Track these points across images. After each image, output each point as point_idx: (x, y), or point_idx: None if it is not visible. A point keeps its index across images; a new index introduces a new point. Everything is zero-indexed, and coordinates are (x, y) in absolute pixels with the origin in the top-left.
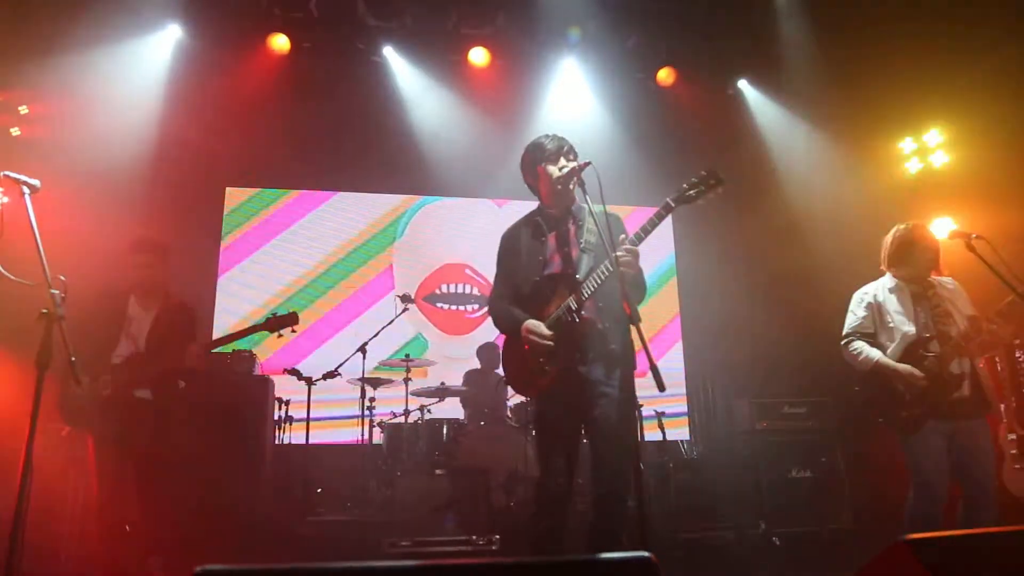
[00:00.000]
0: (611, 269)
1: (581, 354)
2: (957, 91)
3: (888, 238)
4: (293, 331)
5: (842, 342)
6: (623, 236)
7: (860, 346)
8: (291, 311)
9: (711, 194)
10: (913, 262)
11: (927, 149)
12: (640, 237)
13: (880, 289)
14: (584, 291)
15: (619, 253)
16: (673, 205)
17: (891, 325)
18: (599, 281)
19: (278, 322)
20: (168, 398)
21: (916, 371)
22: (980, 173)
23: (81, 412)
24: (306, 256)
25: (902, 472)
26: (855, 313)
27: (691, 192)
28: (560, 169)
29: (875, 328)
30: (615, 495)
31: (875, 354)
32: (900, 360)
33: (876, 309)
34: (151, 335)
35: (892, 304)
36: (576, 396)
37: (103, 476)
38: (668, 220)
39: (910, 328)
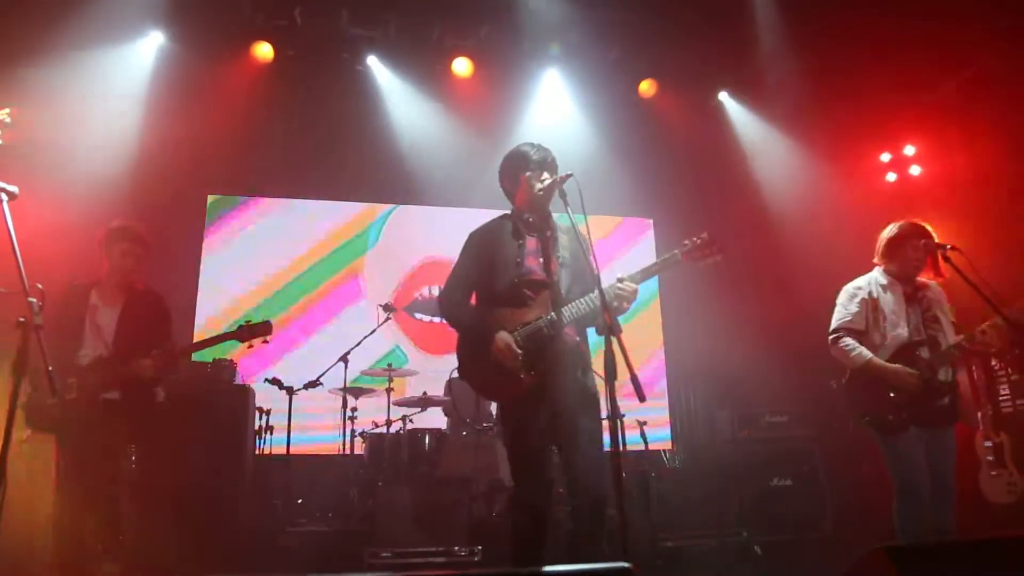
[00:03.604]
0: (611, 293)
1: (560, 366)
2: (933, 104)
3: (885, 231)
4: (265, 341)
5: (831, 336)
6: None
7: (852, 343)
8: (265, 320)
9: (712, 260)
10: (903, 259)
11: (904, 161)
12: (643, 277)
13: (873, 285)
14: (570, 312)
15: (619, 286)
16: (682, 260)
17: (884, 325)
18: (589, 306)
19: (250, 331)
20: (139, 399)
21: (911, 372)
22: (956, 185)
23: (44, 414)
24: (288, 264)
25: (882, 480)
26: (846, 308)
27: (695, 253)
28: (542, 181)
29: (866, 325)
30: (597, 503)
31: (867, 353)
32: (890, 362)
33: (869, 306)
34: (119, 333)
35: (887, 303)
36: (552, 406)
37: (62, 481)
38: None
39: (903, 331)
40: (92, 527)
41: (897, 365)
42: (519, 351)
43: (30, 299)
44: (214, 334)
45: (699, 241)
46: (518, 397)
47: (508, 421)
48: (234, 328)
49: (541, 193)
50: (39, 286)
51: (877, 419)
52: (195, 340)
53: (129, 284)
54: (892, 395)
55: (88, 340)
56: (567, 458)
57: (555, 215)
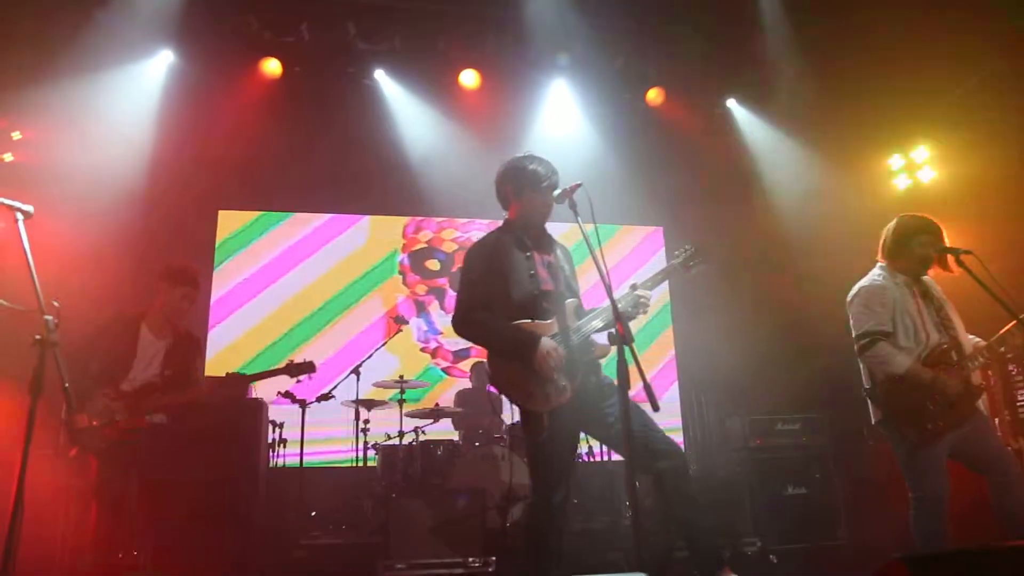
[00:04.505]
0: (632, 301)
1: (591, 376)
2: (944, 108)
3: (890, 225)
4: (310, 378)
5: (863, 341)
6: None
7: (888, 350)
8: (308, 360)
9: (699, 269)
10: (910, 255)
11: (915, 165)
12: (652, 285)
13: (889, 284)
14: (592, 323)
15: (638, 294)
16: (682, 272)
17: (909, 327)
18: (608, 317)
19: (297, 368)
20: (183, 423)
21: (953, 380)
22: (967, 189)
23: (92, 436)
24: (300, 279)
25: (897, 486)
26: (872, 309)
27: (687, 263)
28: (547, 204)
29: (893, 327)
30: (683, 462)
31: (906, 360)
32: (924, 367)
33: (894, 307)
34: (167, 363)
35: (908, 303)
36: (588, 408)
37: (103, 501)
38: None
39: (935, 335)
40: (132, 543)
41: (939, 375)
42: (564, 354)
43: (46, 317)
44: (227, 351)
45: (686, 252)
46: (562, 404)
47: (544, 429)
48: (281, 365)
49: (546, 211)
50: (55, 303)
51: (915, 430)
52: (208, 354)
53: (176, 321)
54: (931, 405)
55: (138, 367)
56: (636, 434)
57: (564, 226)
